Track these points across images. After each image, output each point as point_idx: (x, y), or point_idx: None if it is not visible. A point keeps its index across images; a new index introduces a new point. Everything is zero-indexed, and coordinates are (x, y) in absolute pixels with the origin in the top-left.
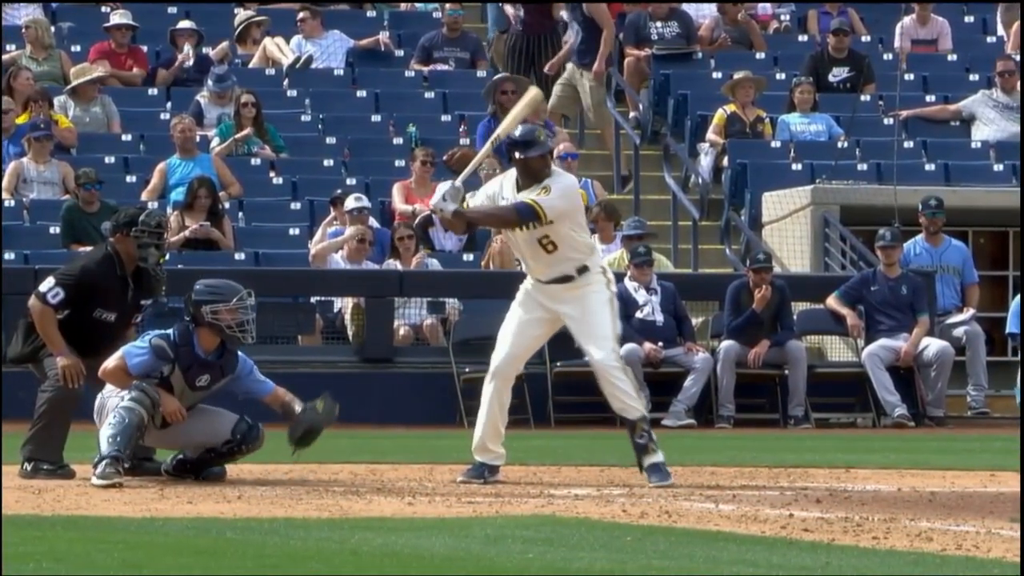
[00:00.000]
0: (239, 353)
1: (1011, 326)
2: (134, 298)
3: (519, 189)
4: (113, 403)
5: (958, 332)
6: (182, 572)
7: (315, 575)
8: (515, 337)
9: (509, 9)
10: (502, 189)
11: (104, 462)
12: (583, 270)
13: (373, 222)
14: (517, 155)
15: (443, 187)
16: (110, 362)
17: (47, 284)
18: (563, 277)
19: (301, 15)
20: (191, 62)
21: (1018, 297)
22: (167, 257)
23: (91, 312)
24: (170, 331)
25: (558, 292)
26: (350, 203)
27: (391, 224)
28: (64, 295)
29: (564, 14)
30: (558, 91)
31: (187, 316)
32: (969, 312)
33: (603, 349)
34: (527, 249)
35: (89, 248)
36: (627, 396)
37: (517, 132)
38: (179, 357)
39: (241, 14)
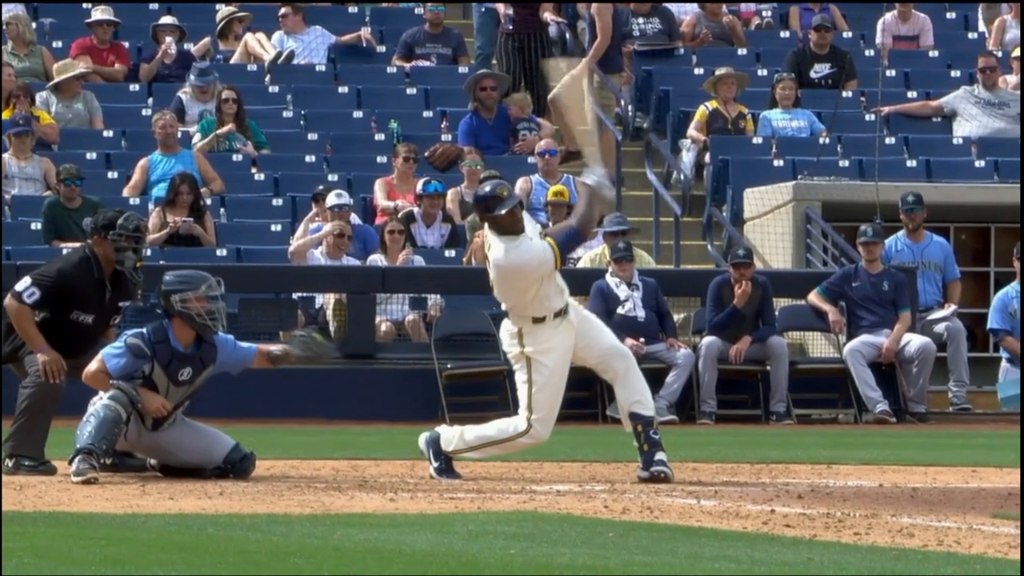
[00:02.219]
0: (217, 337)
1: (993, 322)
2: (112, 300)
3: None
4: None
5: (939, 328)
6: (164, 568)
7: (297, 572)
8: (561, 397)
9: (500, 7)
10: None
11: (78, 457)
12: None
13: (355, 218)
14: (486, 214)
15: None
16: (91, 367)
17: (23, 283)
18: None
19: (283, 11)
20: (173, 50)
21: (1000, 292)
22: (148, 253)
23: (68, 314)
24: (144, 329)
25: (576, 309)
26: (331, 200)
27: (373, 220)
28: (40, 295)
29: (548, 16)
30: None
31: (159, 309)
32: (951, 308)
33: (623, 346)
34: (560, 274)
35: (71, 245)
36: (648, 392)
37: (486, 188)
38: (157, 353)
39: (223, 10)
